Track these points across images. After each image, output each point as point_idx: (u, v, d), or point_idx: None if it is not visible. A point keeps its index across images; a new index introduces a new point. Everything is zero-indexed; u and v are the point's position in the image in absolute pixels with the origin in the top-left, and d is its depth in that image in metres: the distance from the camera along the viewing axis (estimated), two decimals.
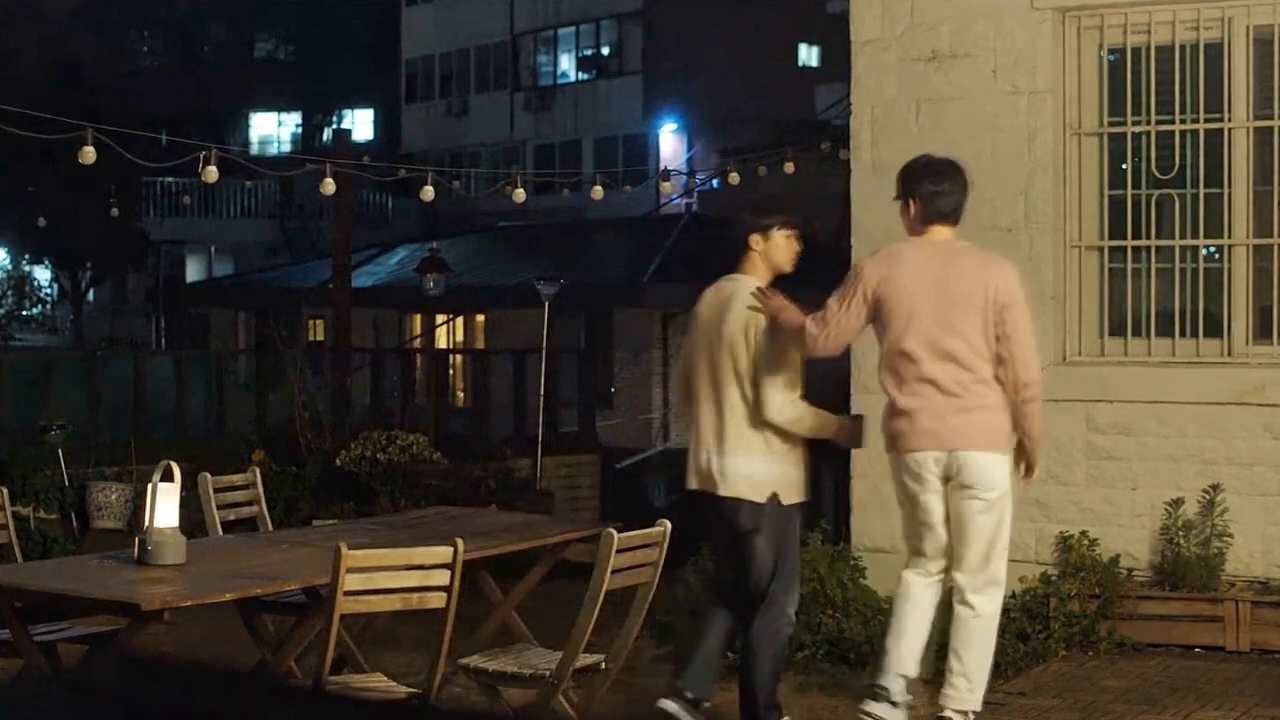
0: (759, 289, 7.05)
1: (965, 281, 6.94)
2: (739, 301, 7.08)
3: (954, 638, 6.99)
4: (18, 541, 7.99)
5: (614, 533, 6.66)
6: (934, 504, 6.99)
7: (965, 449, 6.90)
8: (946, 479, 6.94)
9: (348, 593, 6.27)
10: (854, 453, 8.84)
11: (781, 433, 7.04)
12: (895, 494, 7.17)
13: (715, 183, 29.34)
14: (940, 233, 7.07)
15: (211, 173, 13.17)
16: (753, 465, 7.03)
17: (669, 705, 7.08)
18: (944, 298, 6.91)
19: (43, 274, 45.16)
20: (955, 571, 6.99)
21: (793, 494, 7.10)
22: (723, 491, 7.06)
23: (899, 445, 6.99)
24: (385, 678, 7.13)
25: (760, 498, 7.02)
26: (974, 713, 7.01)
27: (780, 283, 7.24)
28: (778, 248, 7.18)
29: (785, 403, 6.99)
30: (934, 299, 6.91)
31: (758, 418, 7.01)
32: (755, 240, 7.17)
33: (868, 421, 7.31)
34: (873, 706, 6.95)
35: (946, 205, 7.06)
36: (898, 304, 6.91)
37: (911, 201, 7.08)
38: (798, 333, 6.96)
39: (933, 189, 7.06)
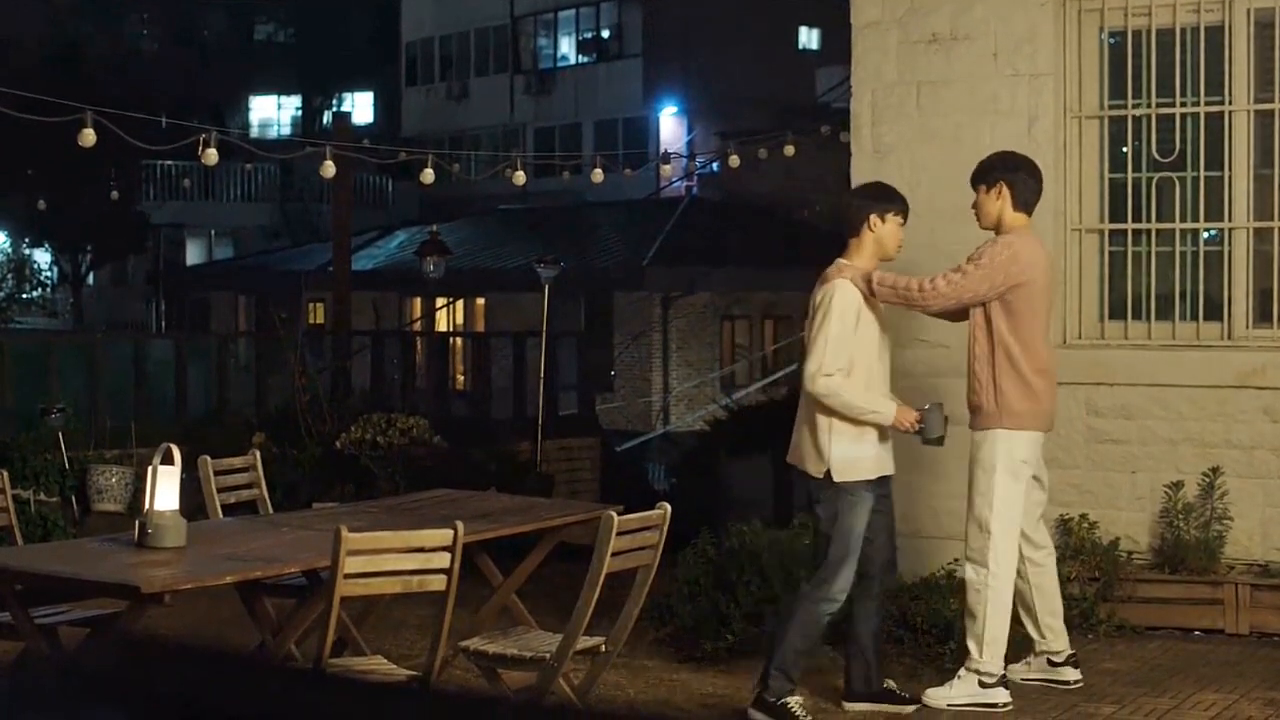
0: (841, 267, 7.37)
1: (1051, 275, 7.73)
2: (817, 283, 7.38)
3: (1054, 600, 7.73)
4: (18, 525, 7.99)
5: (614, 515, 6.66)
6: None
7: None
8: None
9: (348, 575, 6.27)
10: None
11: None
12: (997, 475, 7.39)
13: (715, 166, 29.31)
14: (1027, 222, 7.57)
15: (211, 156, 13.16)
16: (813, 440, 7.26)
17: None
18: (1050, 291, 7.68)
19: (43, 257, 45.15)
20: (1036, 533, 7.68)
21: (849, 472, 7.21)
22: (797, 464, 7.38)
23: (1028, 423, 7.44)
24: (385, 660, 7.15)
25: (816, 472, 7.26)
26: None
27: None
28: (890, 233, 7.42)
29: (814, 374, 7.17)
30: (1050, 293, 7.66)
31: None
32: (874, 221, 7.38)
33: (940, 411, 7.36)
34: (996, 693, 7.38)
35: (1036, 197, 7.61)
36: (1035, 295, 7.43)
37: (1004, 188, 7.52)
38: (902, 290, 7.34)
39: (1029, 179, 7.58)
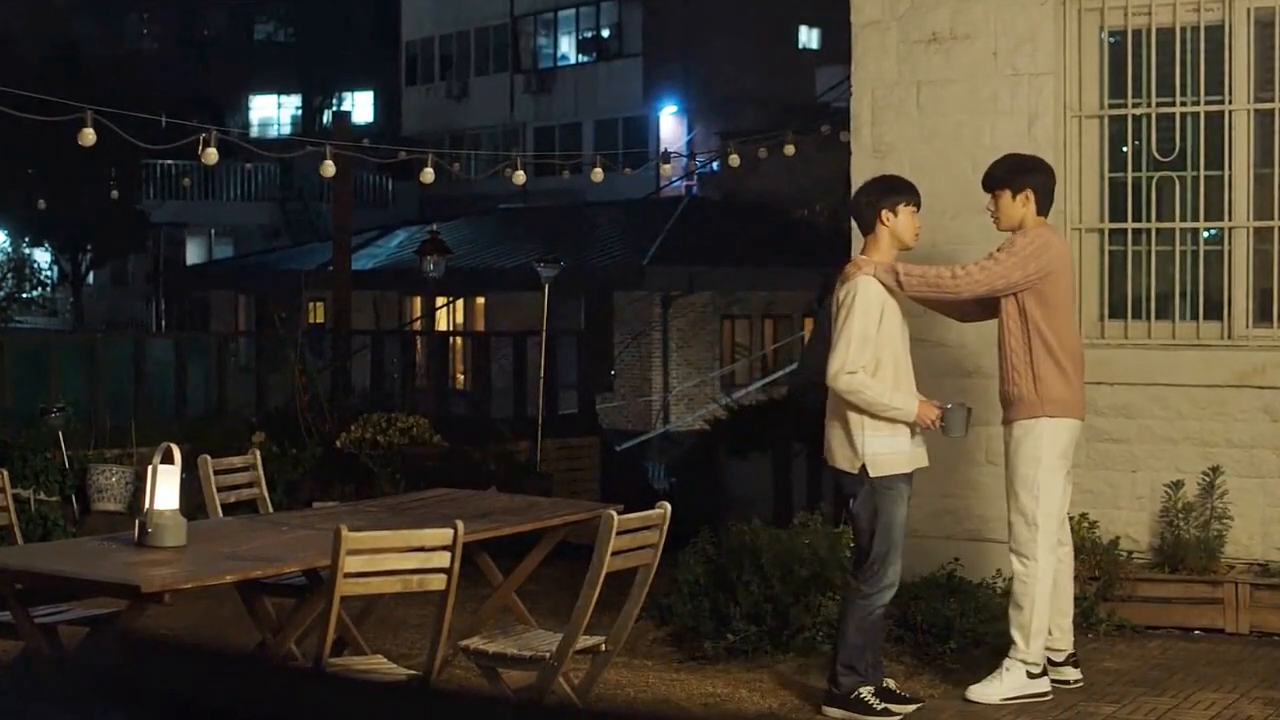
0: (860, 262, 7.40)
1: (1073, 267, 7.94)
2: (839, 281, 7.42)
3: (1067, 599, 7.71)
4: (18, 524, 7.99)
5: (614, 514, 6.66)
6: None
7: None
8: None
9: (348, 575, 6.27)
10: None
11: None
12: (1043, 466, 7.41)
13: (715, 166, 29.31)
14: (1045, 223, 7.64)
15: (211, 155, 13.16)
16: (846, 436, 7.29)
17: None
18: (1074, 282, 7.87)
19: (43, 256, 45.16)
20: (1061, 529, 7.62)
21: (885, 467, 7.25)
22: (830, 460, 7.43)
23: (1071, 410, 7.48)
24: (385, 660, 7.15)
25: (850, 468, 7.30)
26: None
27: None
28: (905, 224, 7.43)
29: (836, 372, 7.21)
30: (1074, 284, 7.85)
31: None
32: (886, 216, 7.41)
33: (963, 410, 7.39)
34: (1041, 683, 7.44)
35: (1053, 199, 7.71)
36: (1065, 284, 7.53)
37: (1032, 194, 7.56)
38: (933, 279, 7.37)
39: (1048, 182, 7.67)
